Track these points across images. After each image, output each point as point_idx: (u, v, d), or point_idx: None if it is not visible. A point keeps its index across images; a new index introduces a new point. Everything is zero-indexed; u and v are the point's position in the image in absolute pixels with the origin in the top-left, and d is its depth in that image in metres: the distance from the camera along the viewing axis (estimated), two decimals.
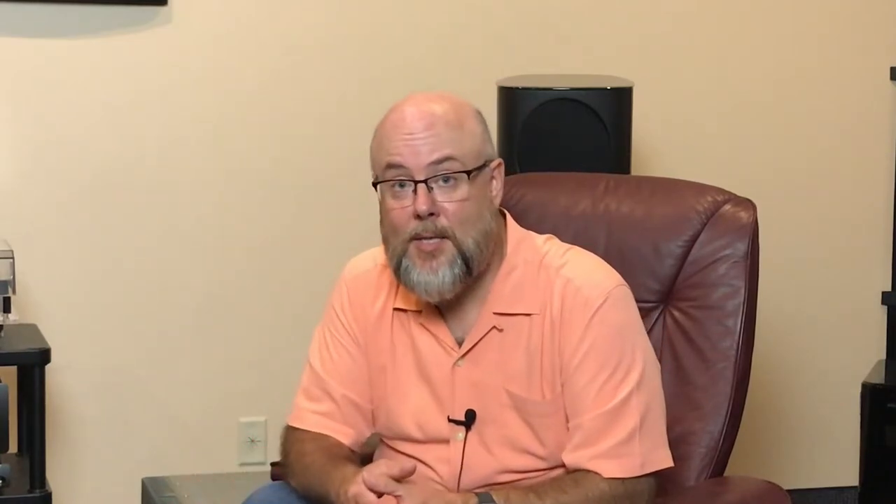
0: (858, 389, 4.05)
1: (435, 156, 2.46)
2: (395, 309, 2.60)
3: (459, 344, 2.55)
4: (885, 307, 4.43)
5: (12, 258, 3.37)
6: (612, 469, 2.44)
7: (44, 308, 3.81)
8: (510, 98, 3.64)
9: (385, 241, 2.53)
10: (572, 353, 2.48)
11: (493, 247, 2.53)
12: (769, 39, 4.29)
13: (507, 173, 2.66)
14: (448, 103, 2.50)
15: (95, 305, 3.89)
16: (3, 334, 3.38)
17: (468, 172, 2.47)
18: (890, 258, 4.42)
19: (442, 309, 2.56)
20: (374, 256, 2.65)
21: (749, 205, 2.84)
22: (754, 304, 2.78)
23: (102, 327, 3.89)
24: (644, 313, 2.71)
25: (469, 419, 2.53)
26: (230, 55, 3.93)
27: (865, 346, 4.42)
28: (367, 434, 2.64)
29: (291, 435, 2.62)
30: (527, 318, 2.52)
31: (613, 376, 2.47)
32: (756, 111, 4.30)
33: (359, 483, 2.36)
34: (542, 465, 2.52)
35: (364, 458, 2.63)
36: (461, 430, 2.54)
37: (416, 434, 2.57)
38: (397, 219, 2.48)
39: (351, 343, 2.62)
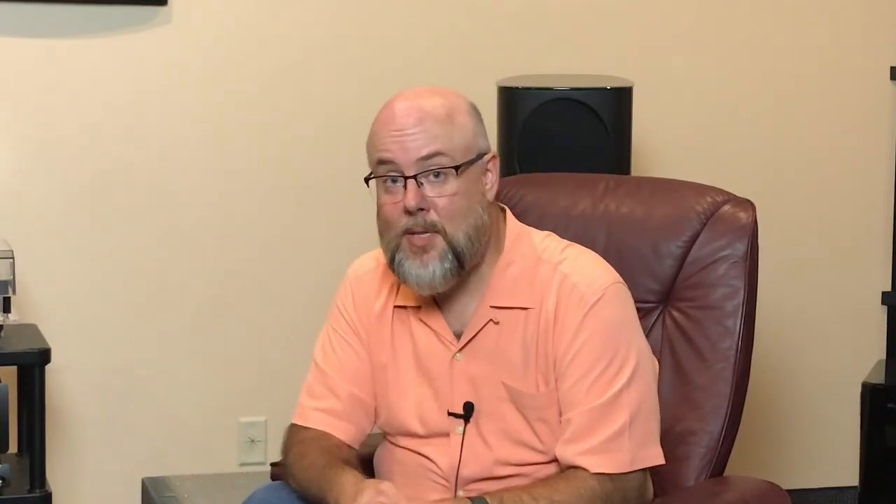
0: (858, 389, 4.04)
1: (424, 151, 2.47)
2: (396, 306, 2.62)
3: (458, 337, 2.56)
4: (885, 307, 4.43)
5: (12, 258, 3.37)
6: (600, 464, 2.44)
7: (44, 308, 3.81)
8: (510, 98, 3.64)
9: (380, 235, 2.55)
10: (566, 348, 2.49)
11: (487, 240, 2.53)
12: (769, 39, 4.29)
13: (508, 173, 2.67)
14: (439, 98, 2.51)
15: (95, 305, 3.89)
16: (3, 334, 3.38)
17: (457, 167, 2.48)
18: (890, 258, 4.42)
19: (440, 303, 2.58)
20: (376, 256, 2.66)
21: (748, 205, 2.84)
22: (754, 304, 2.78)
23: (102, 327, 3.89)
24: (643, 313, 2.71)
25: (467, 412, 2.54)
26: (230, 55, 3.93)
27: (865, 345, 4.42)
28: (369, 430, 2.65)
29: (294, 434, 2.62)
30: (523, 311, 2.53)
31: (606, 372, 2.47)
32: (756, 111, 4.30)
33: None
34: (539, 458, 2.52)
35: (364, 457, 2.64)
36: (460, 424, 2.55)
37: (419, 429, 2.58)
38: (390, 213, 2.50)
39: (355, 340, 2.64)
